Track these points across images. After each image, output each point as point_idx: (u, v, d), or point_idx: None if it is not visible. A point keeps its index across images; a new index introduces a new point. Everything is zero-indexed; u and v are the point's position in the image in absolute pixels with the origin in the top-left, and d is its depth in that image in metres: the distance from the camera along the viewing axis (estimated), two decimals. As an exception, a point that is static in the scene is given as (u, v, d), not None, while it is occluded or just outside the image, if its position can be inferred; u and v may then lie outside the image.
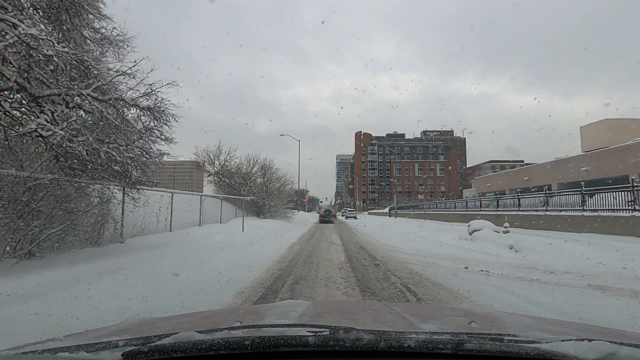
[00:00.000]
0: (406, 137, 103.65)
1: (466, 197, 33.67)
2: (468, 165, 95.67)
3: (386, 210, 53.60)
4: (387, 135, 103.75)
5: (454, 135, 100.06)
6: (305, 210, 69.00)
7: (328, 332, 0.75)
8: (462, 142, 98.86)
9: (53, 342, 0.82)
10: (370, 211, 66.22)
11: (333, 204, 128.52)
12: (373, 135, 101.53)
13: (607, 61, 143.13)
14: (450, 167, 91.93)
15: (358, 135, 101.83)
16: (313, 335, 0.73)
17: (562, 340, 0.73)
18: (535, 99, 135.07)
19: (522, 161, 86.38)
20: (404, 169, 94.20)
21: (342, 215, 50.78)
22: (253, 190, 19.65)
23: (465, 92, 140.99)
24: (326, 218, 27.90)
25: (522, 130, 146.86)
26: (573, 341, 0.72)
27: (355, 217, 38.81)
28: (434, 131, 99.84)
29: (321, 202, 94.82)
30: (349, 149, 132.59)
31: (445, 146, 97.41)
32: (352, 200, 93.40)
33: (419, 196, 41.41)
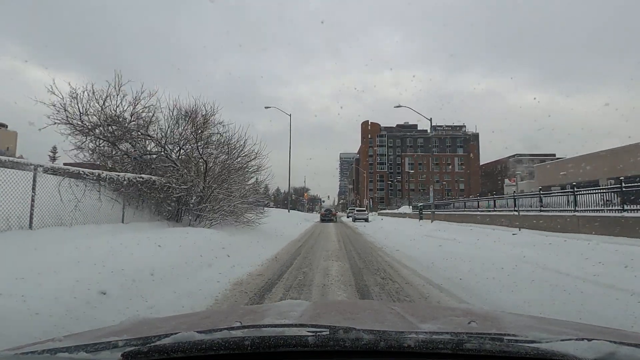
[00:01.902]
0: (419, 129, 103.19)
1: (521, 191, 24.64)
2: (481, 163, 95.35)
3: (402, 210, 45.31)
4: (398, 126, 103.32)
5: (467, 129, 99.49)
6: (304, 211, 69.14)
7: (328, 332, 0.84)
8: (475, 137, 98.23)
9: (52, 342, 0.92)
10: (381, 211, 61.45)
11: (336, 203, 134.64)
12: (381, 125, 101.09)
13: (608, 60, 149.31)
14: (466, 159, 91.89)
15: (365, 125, 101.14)
16: (313, 335, 0.83)
17: (562, 340, 0.82)
18: (535, 98, 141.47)
19: (554, 154, 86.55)
20: (418, 164, 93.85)
21: (348, 217, 44.45)
22: (179, 166, 11.13)
23: (468, 91, 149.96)
24: (327, 217, 35.87)
25: (524, 130, 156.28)
26: (573, 341, 0.82)
27: (366, 220, 32.16)
28: (445, 126, 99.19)
29: (323, 201, 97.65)
30: (352, 148, 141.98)
31: (464, 138, 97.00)
32: (357, 199, 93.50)
33: (515, 177, 33.85)
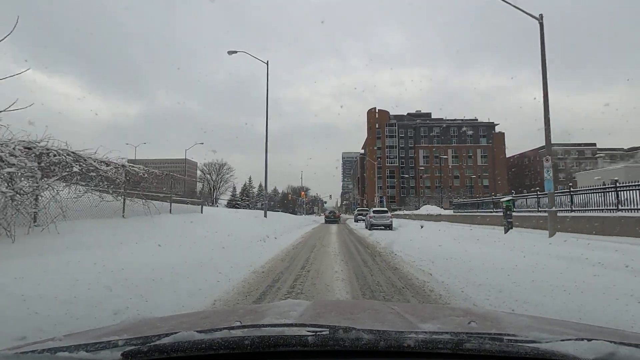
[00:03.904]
0: (433, 117, 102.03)
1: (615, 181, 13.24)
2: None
3: (425, 210, 37.50)
4: (408, 114, 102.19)
5: (478, 122, 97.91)
6: (303, 213, 69.05)
7: (328, 332, 0.96)
8: (490, 129, 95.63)
9: (52, 341, 1.05)
10: (395, 212, 53.31)
11: (339, 205, 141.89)
12: (390, 114, 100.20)
13: (608, 60, 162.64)
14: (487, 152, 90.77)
15: (371, 113, 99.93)
16: (313, 335, 0.94)
17: (562, 340, 0.93)
18: (534, 98, 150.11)
19: (594, 144, 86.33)
20: (434, 157, 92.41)
21: (357, 221, 37.74)
22: None
23: (472, 89, 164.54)
24: (331, 218, 40.91)
25: (525, 129, 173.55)
26: (572, 341, 0.93)
27: (389, 226, 23.96)
28: (456, 120, 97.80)
29: (325, 202, 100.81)
30: (353, 148, 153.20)
31: (487, 126, 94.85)
32: (363, 200, 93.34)
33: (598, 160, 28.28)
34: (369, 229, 23.69)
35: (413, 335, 0.97)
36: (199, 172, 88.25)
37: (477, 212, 25.14)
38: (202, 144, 60.50)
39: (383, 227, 23.98)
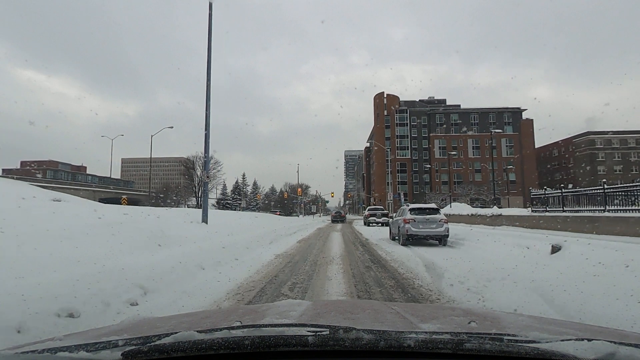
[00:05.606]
0: (448, 104, 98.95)
1: None
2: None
3: (458, 209, 30.88)
4: (420, 101, 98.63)
5: (503, 108, 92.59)
6: (301, 213, 68.04)
7: (328, 332, 1.05)
8: (517, 116, 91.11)
9: (53, 341, 1.15)
10: None
11: (342, 204, 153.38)
12: (400, 100, 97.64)
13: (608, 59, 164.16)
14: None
15: (379, 98, 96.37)
16: (313, 335, 1.03)
17: (562, 340, 1.02)
18: (535, 98, 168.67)
19: (639, 131, 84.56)
20: (451, 148, 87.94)
21: (368, 224, 31.70)
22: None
23: (471, 88, 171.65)
24: (337, 218, 48.54)
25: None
26: (573, 341, 1.01)
27: (443, 240, 14.94)
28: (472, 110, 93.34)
29: (327, 202, 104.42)
30: (355, 146, 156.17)
31: (513, 112, 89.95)
32: (371, 198, 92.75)
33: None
34: (403, 244, 15.02)
35: (413, 335, 1.06)
36: (182, 167, 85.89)
37: (605, 211, 15.07)
38: (172, 127, 61.59)
39: (426, 239, 15.40)
